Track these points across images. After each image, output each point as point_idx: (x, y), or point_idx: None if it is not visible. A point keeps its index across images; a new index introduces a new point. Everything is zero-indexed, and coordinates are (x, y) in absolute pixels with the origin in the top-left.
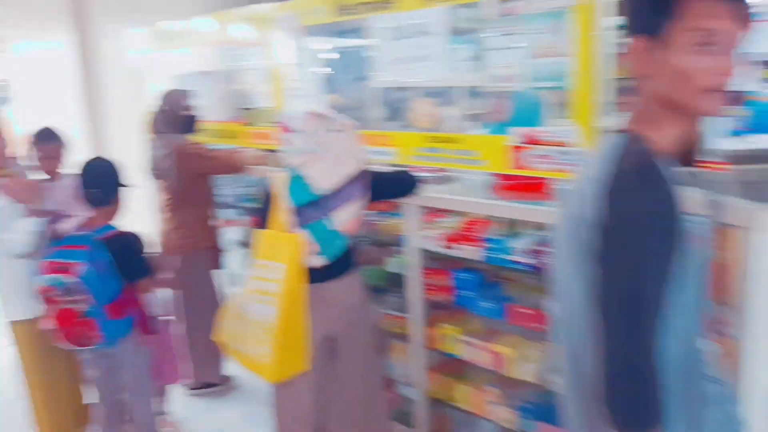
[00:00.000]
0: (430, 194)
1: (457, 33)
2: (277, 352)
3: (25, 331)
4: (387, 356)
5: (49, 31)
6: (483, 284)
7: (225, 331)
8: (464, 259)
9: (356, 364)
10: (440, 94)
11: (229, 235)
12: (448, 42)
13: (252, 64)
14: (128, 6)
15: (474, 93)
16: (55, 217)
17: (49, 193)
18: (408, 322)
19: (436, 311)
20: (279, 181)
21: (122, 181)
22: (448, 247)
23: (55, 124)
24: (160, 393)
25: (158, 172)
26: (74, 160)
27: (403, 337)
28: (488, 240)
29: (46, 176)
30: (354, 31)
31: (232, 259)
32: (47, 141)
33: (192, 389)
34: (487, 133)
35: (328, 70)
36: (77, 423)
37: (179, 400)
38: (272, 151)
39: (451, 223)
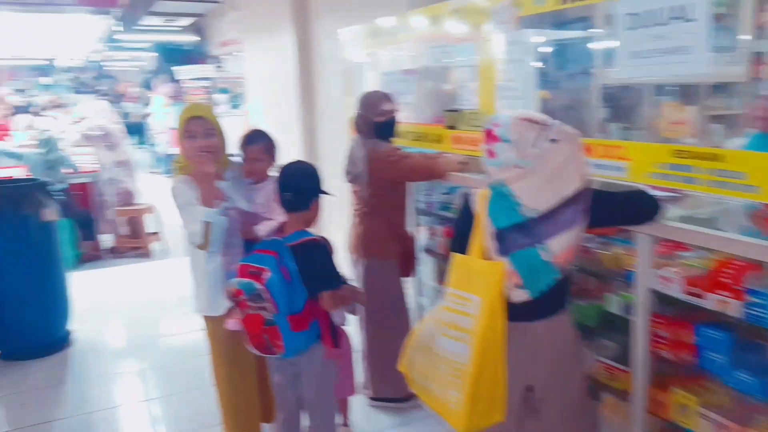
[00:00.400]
0: (671, 223)
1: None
2: (468, 400)
3: (215, 326)
4: (597, 413)
5: (275, 32)
6: (740, 348)
7: (410, 362)
8: (712, 311)
9: (560, 420)
10: (683, 94)
11: (423, 242)
12: (709, 30)
13: (460, 61)
14: (347, 3)
15: (730, 92)
16: (256, 219)
17: (254, 194)
18: (628, 377)
19: (667, 370)
20: (480, 197)
21: (320, 186)
22: (692, 294)
23: (277, 122)
24: (341, 405)
25: (352, 177)
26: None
27: (620, 393)
28: (752, 292)
29: (252, 177)
30: (577, 21)
31: (424, 268)
32: (253, 143)
33: (373, 399)
34: (749, 146)
35: (541, 65)
36: (263, 418)
37: (361, 411)
38: (476, 158)
39: (696, 262)
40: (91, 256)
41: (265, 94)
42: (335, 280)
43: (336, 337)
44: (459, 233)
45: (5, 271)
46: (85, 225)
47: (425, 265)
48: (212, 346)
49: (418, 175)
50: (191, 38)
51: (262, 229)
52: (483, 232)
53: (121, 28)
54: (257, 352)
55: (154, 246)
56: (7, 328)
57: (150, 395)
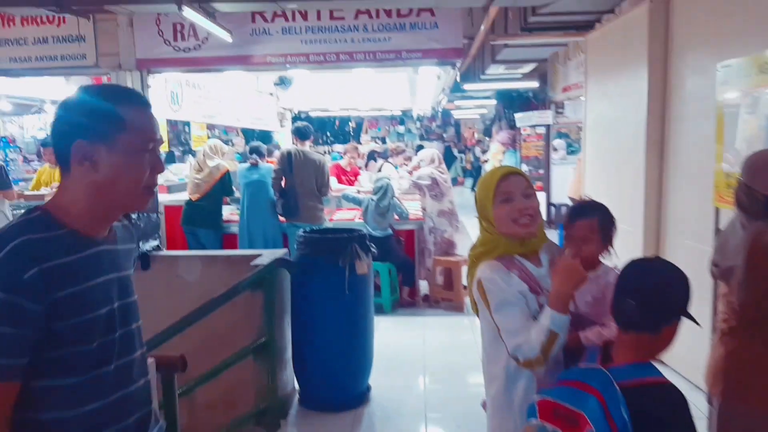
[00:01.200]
0: None
1: None
2: None
3: None
4: None
5: (624, 71)
6: None
7: None
8: None
9: None
10: None
11: None
12: None
13: None
14: (730, 31)
15: None
16: (581, 321)
17: (584, 286)
18: None
19: None
20: None
21: (685, 305)
22: None
23: (615, 175)
24: None
25: (722, 271)
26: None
27: None
28: None
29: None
30: None
31: None
32: (582, 216)
33: None
34: None
35: None
36: None
37: None
38: None
39: None
40: (406, 302)
41: (604, 141)
42: None
43: None
44: None
45: (317, 321)
46: (406, 270)
47: None
48: None
49: None
50: (531, 84)
51: (590, 337)
52: None
53: (466, 78)
54: None
55: (467, 300)
56: (310, 377)
57: None
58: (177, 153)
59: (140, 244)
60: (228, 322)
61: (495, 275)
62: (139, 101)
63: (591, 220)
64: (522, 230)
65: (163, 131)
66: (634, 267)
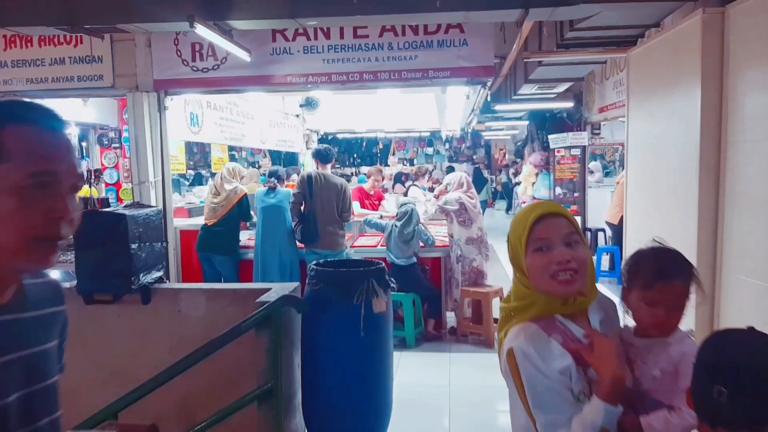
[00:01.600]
0: None
1: None
2: None
3: None
4: None
5: (671, 90)
6: None
7: None
8: None
9: None
10: None
11: None
12: None
13: None
14: None
15: None
16: (642, 401)
17: (646, 358)
18: None
19: None
20: None
21: None
22: None
23: (660, 202)
24: None
25: None
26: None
27: None
28: None
29: (649, 329)
30: None
31: None
32: (670, 278)
33: None
34: None
35: None
36: None
37: None
38: None
39: None
40: (431, 335)
41: (649, 164)
42: None
43: None
44: None
45: (330, 365)
46: (431, 301)
47: None
48: None
49: None
50: (566, 105)
51: (654, 425)
52: None
53: (497, 98)
54: None
55: (497, 335)
56: (322, 426)
57: None
58: (205, 174)
59: (141, 276)
60: (231, 364)
61: (531, 349)
62: (33, 119)
63: (681, 284)
64: (562, 289)
65: (180, 152)
66: (723, 342)
